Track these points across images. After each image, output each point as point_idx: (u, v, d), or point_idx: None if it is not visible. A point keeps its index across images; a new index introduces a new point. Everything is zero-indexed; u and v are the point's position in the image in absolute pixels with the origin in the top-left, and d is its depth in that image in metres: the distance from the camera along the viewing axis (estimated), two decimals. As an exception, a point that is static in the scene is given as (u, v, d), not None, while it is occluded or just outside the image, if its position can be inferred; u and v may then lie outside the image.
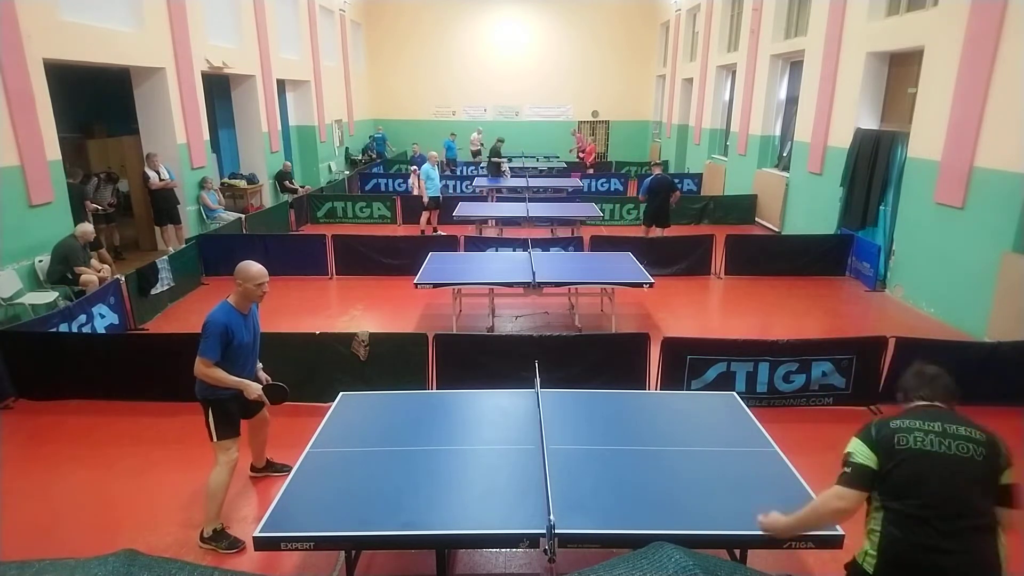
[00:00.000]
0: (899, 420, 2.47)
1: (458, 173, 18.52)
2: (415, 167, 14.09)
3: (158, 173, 10.47)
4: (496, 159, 16.31)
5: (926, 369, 2.62)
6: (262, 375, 4.22)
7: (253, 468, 4.63)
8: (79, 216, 8.83)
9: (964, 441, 2.33)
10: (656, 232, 11.02)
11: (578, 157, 20.92)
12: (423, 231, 12.02)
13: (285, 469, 4.44)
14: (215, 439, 3.92)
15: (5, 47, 7.34)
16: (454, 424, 4.04)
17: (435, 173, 12.33)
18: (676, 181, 17.20)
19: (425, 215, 12.33)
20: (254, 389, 3.91)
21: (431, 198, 12.25)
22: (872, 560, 2.39)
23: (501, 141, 16.98)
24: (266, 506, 3.16)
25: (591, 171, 19.05)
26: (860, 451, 2.43)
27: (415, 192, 12.32)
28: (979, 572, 2.25)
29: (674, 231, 11.54)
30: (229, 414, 3.94)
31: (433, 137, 23.89)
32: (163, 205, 10.61)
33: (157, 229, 10.94)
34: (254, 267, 3.96)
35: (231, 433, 3.95)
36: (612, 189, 17.21)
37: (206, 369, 3.74)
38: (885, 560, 2.35)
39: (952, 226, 7.78)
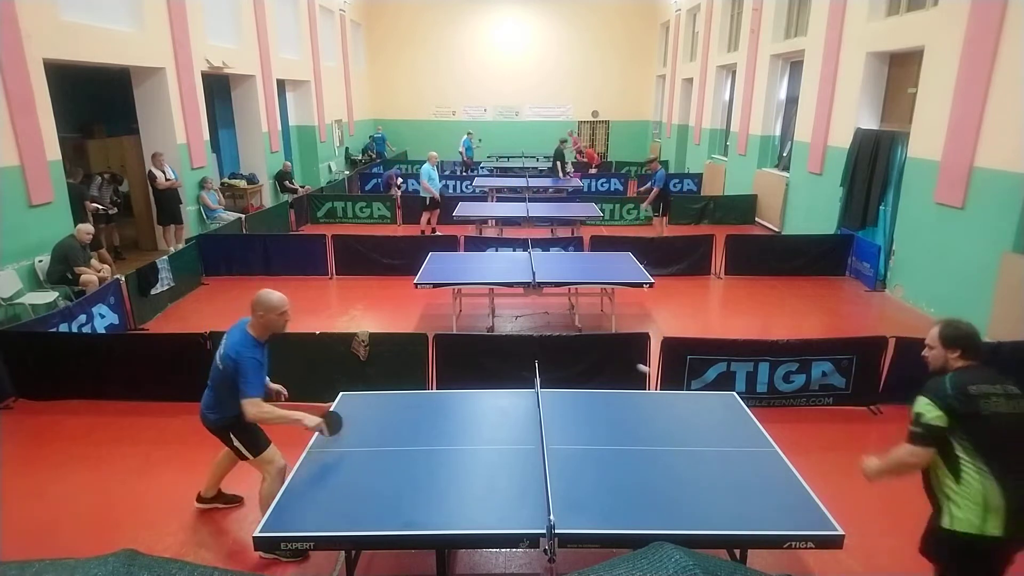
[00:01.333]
0: (974, 385, 2.69)
1: (476, 172, 18.55)
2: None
3: (164, 173, 10.50)
4: (560, 160, 16.53)
5: (967, 327, 2.85)
6: (272, 386, 4.04)
7: (200, 499, 4.26)
8: (79, 216, 8.84)
9: (1021, 399, 2.68)
10: (663, 222, 11.41)
11: (577, 157, 20.93)
12: (423, 231, 12.03)
13: (235, 501, 4.31)
14: (253, 457, 3.78)
15: (5, 47, 7.34)
16: (454, 424, 4.04)
17: (435, 173, 12.34)
18: (676, 181, 17.49)
19: (426, 215, 12.33)
20: (312, 421, 3.61)
21: (431, 199, 12.27)
22: (997, 520, 2.58)
23: (563, 142, 17.25)
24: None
25: (593, 171, 19.07)
26: (930, 412, 2.65)
27: (422, 193, 12.37)
28: None
29: (674, 231, 11.56)
30: (250, 428, 3.78)
31: (433, 137, 23.90)
32: (167, 205, 10.64)
33: (159, 229, 10.94)
34: (275, 296, 3.68)
35: (265, 442, 3.83)
36: (612, 189, 17.22)
37: (258, 409, 3.55)
38: (1015, 507, 2.58)
39: (952, 226, 7.78)
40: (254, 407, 3.55)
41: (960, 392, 2.64)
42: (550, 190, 15.38)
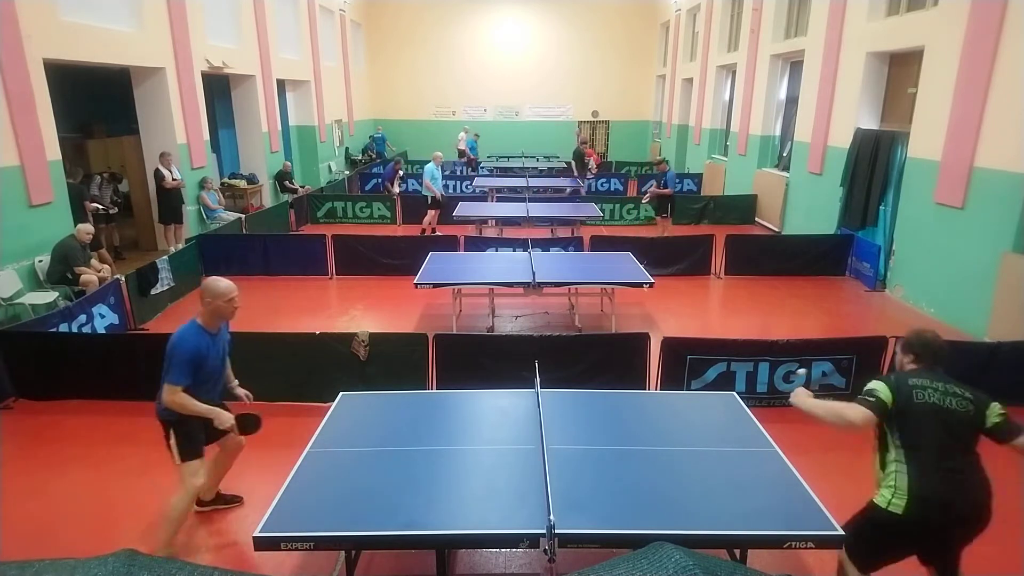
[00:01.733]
0: (915, 378, 2.99)
1: (477, 172, 18.55)
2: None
3: (171, 173, 10.53)
4: (579, 160, 16.65)
5: (927, 337, 3.15)
6: (239, 391, 4.05)
7: (199, 502, 4.16)
8: (79, 216, 8.84)
9: (959, 398, 2.92)
10: (668, 222, 11.53)
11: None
12: (424, 230, 12.04)
13: (236, 501, 4.30)
14: (179, 461, 3.69)
15: (5, 47, 7.34)
16: (454, 424, 4.04)
17: (439, 173, 12.39)
18: (677, 181, 17.47)
19: (430, 214, 12.35)
20: (226, 419, 3.69)
21: (433, 198, 12.28)
22: (901, 500, 2.85)
23: (584, 144, 17.37)
24: (266, 506, 3.15)
25: (593, 172, 19.07)
26: (882, 390, 2.94)
27: (424, 192, 12.41)
28: (981, 486, 2.89)
29: (674, 231, 11.55)
30: (192, 434, 3.71)
31: (433, 137, 23.91)
32: (170, 204, 10.67)
33: (159, 228, 10.96)
34: (222, 283, 3.70)
35: (196, 454, 3.75)
36: (612, 189, 17.22)
37: (174, 397, 3.54)
38: (916, 492, 2.83)
39: (952, 226, 7.78)
40: (171, 394, 3.54)
41: (901, 382, 2.97)
42: (567, 190, 15.41)
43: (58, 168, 8.35)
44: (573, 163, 16.87)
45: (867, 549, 3.01)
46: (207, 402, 3.70)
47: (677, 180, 15.93)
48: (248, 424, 3.85)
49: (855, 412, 2.91)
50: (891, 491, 2.89)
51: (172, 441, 3.68)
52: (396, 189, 15.29)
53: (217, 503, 4.27)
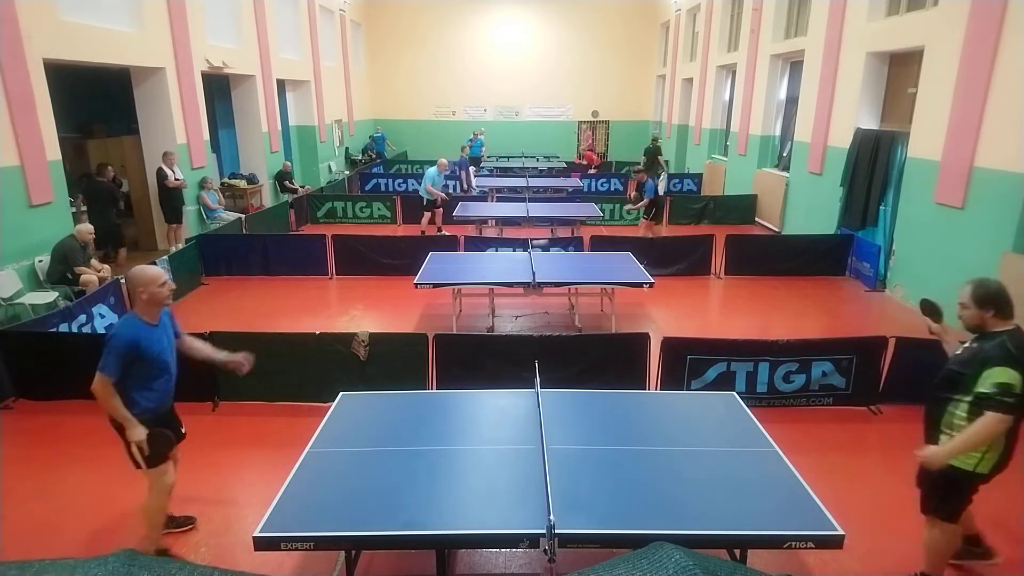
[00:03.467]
0: None
1: (482, 172, 18.45)
2: (462, 168, 15.11)
3: (173, 172, 10.55)
4: (656, 156, 16.92)
5: (1000, 286, 3.08)
6: (234, 356, 3.97)
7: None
8: (107, 214, 9.29)
9: None
10: (651, 225, 11.56)
11: (585, 157, 20.94)
12: (423, 231, 12.06)
13: (188, 524, 4.08)
14: (145, 468, 3.58)
15: (5, 47, 7.34)
16: (454, 424, 4.04)
17: (440, 179, 12.51)
18: (676, 181, 17.52)
19: (427, 216, 12.39)
20: (137, 433, 3.46)
21: (429, 200, 12.35)
22: (988, 464, 3.01)
23: (656, 140, 17.60)
24: (266, 506, 3.16)
25: (593, 171, 19.09)
26: (1016, 381, 2.87)
27: (421, 193, 12.49)
28: None
29: (674, 231, 11.56)
30: (155, 434, 3.58)
31: (433, 137, 23.90)
32: (173, 204, 10.70)
33: (160, 228, 10.99)
34: (149, 269, 3.62)
35: (164, 457, 3.65)
36: (612, 189, 17.23)
37: (102, 388, 3.39)
38: (1003, 458, 3.03)
39: (952, 226, 7.78)
40: (98, 383, 3.39)
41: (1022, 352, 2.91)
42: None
43: (58, 168, 8.35)
44: (644, 161, 17.00)
45: (958, 504, 3.22)
46: (156, 408, 3.62)
47: (671, 181, 16.15)
48: (157, 442, 3.55)
49: (1003, 424, 2.90)
50: (980, 457, 3.02)
51: (134, 449, 3.53)
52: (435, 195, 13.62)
53: (169, 526, 3.97)
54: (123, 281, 7.44)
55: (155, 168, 10.65)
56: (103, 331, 6.83)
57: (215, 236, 10.16)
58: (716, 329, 7.67)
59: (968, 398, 3.02)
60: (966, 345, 3.26)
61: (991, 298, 3.05)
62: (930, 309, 3.59)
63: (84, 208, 10.05)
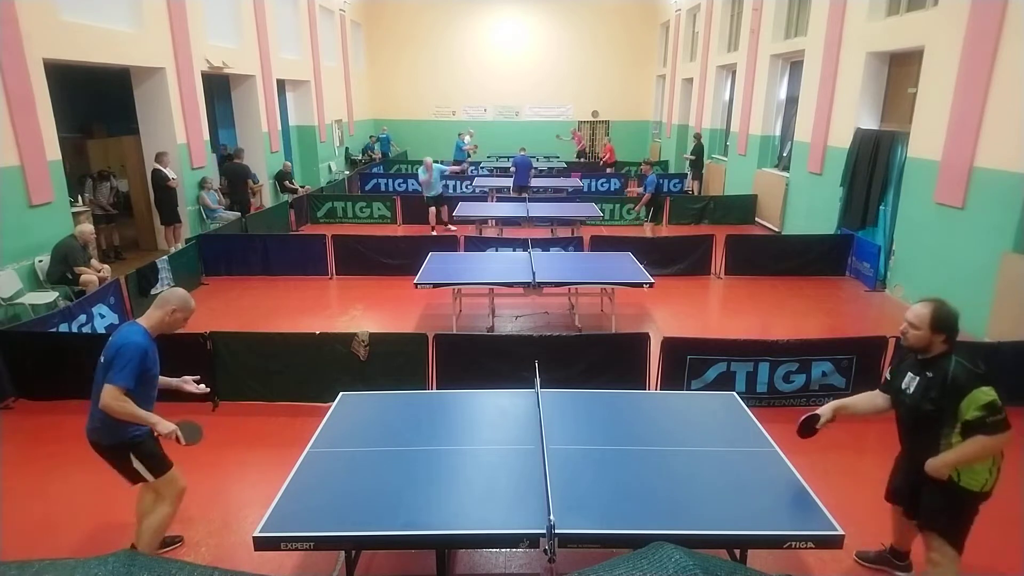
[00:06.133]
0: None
1: (469, 173, 18.40)
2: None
3: (167, 172, 10.53)
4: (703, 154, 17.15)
5: (955, 313, 3.04)
6: (189, 381, 3.72)
7: (134, 547, 3.64)
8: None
9: None
10: (651, 225, 11.64)
11: (605, 150, 20.85)
12: (433, 228, 12.42)
13: (175, 543, 3.90)
14: (153, 478, 3.52)
15: (5, 47, 7.34)
16: (454, 424, 4.04)
17: (427, 176, 12.66)
18: (676, 181, 17.54)
19: (432, 211, 12.69)
20: (166, 426, 3.34)
21: (430, 197, 12.64)
22: (992, 480, 3.02)
23: (699, 136, 17.67)
24: (266, 506, 3.16)
25: (610, 169, 19.09)
26: (996, 396, 2.90)
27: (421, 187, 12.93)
28: None
29: (674, 231, 11.56)
30: (154, 448, 3.54)
31: (433, 137, 23.88)
32: (170, 205, 10.68)
33: (160, 228, 10.96)
34: (192, 299, 3.59)
35: (167, 464, 3.58)
36: (612, 189, 17.23)
37: (117, 401, 3.23)
38: (998, 471, 3.04)
39: (952, 226, 7.78)
40: (115, 398, 3.23)
41: (986, 372, 2.94)
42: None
43: (58, 168, 8.34)
44: (690, 159, 17.26)
45: (966, 529, 3.12)
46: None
47: (669, 181, 16.16)
48: (191, 432, 3.45)
49: (1005, 441, 2.93)
50: (988, 474, 3.02)
51: (136, 464, 3.46)
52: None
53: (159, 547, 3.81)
54: (122, 281, 7.48)
55: (152, 169, 10.59)
56: (103, 331, 6.84)
57: (215, 236, 10.15)
58: (716, 329, 7.67)
59: (957, 428, 2.99)
60: (909, 376, 3.17)
61: (949, 326, 3.02)
62: (807, 430, 3.46)
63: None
